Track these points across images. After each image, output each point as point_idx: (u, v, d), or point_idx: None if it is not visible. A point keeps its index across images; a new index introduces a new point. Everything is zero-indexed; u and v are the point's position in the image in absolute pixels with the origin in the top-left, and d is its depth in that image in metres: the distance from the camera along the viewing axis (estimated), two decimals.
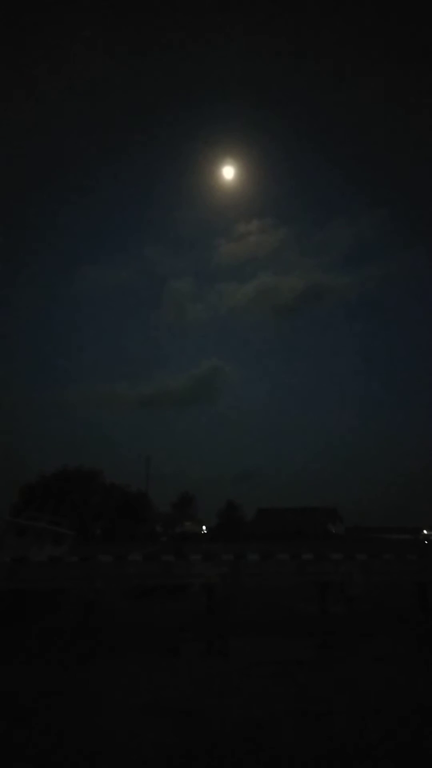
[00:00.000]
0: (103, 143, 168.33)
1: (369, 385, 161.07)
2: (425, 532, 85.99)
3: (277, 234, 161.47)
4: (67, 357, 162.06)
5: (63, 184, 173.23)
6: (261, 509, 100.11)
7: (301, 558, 18.91)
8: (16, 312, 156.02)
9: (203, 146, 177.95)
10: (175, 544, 50.28)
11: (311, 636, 15.69)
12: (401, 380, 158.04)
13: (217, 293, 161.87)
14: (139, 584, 19.17)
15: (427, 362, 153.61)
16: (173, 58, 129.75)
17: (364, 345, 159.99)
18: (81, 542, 41.25)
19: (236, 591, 18.04)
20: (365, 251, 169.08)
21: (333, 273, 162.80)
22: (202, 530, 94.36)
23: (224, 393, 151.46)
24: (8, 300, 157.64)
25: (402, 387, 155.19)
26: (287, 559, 18.91)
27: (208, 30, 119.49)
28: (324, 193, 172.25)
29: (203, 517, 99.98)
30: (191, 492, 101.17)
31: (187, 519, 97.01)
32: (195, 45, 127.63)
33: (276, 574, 18.49)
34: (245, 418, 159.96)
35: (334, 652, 13.45)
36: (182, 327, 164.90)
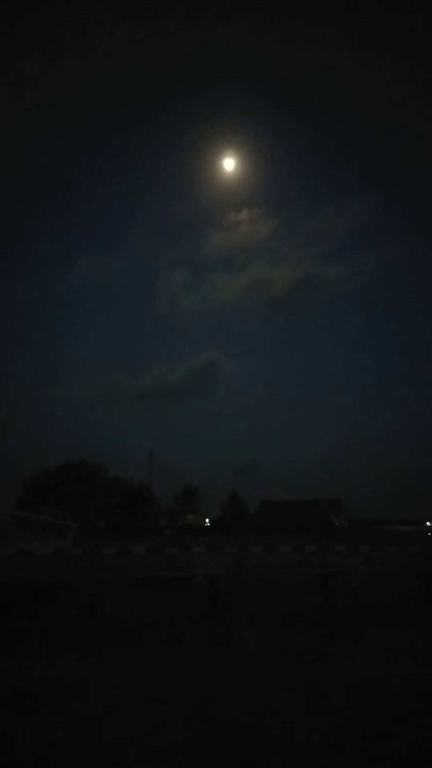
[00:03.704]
0: (100, 134, 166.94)
1: (369, 375, 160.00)
2: (429, 523, 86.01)
3: (267, 223, 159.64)
4: (64, 350, 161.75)
5: (59, 177, 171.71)
6: (264, 502, 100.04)
7: (305, 550, 18.93)
8: (14, 307, 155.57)
9: (197, 137, 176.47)
10: (179, 536, 50.41)
11: (315, 627, 15.72)
12: (401, 370, 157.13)
13: (211, 285, 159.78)
14: (143, 576, 19.22)
15: (427, 351, 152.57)
16: (172, 50, 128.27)
17: (362, 335, 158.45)
18: (84, 535, 41.35)
19: (239, 583, 18.06)
20: (359, 240, 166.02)
21: (327, 263, 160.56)
22: (205, 523, 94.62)
23: (223, 385, 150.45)
24: (5, 294, 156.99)
25: (402, 377, 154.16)
26: (291, 551, 18.92)
27: (207, 21, 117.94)
28: (313, 181, 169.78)
29: (206, 509, 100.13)
30: (194, 485, 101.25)
31: (190, 512, 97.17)
32: (194, 36, 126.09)
33: (279, 566, 18.52)
34: (246, 410, 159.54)
35: (337, 644, 13.46)
36: (177, 319, 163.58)
